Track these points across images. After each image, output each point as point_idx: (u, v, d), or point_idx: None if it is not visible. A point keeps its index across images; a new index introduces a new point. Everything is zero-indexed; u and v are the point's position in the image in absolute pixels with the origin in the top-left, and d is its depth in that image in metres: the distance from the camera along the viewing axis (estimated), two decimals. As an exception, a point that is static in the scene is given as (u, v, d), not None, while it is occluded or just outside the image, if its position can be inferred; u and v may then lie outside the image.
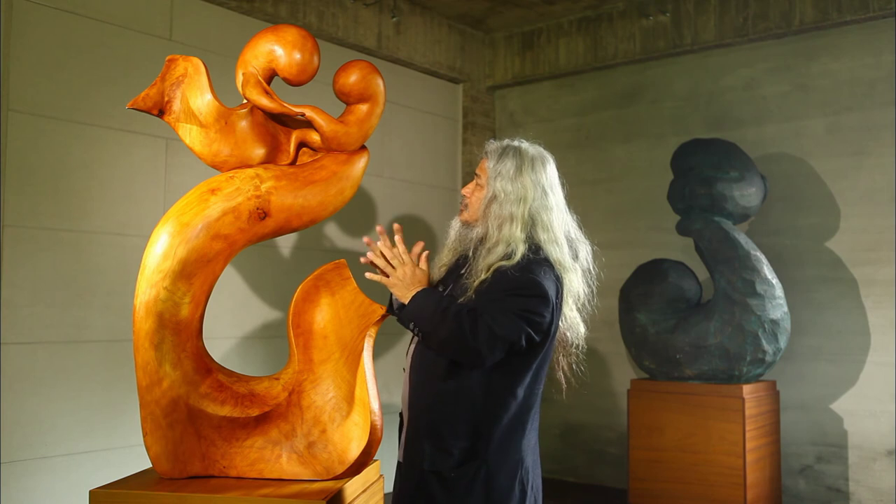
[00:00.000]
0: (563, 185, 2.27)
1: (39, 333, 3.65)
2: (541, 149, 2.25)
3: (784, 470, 4.81)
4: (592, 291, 2.27)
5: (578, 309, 2.24)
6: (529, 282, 2.03)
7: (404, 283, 2.13)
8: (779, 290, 4.39)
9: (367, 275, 2.19)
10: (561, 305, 2.14)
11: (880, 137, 4.67)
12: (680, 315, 4.60)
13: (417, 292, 2.11)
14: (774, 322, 4.33)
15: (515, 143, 2.21)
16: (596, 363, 5.68)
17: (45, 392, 3.66)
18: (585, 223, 2.34)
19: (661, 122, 5.49)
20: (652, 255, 5.09)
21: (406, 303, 2.12)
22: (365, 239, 2.23)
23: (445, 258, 2.27)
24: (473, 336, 1.98)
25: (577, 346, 2.26)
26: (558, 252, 2.14)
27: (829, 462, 4.74)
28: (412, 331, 2.12)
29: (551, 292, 2.06)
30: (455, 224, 2.27)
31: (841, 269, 4.76)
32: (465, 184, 2.08)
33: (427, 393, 2.17)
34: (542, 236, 2.14)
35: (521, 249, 2.09)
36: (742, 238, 4.45)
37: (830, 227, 4.81)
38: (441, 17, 5.76)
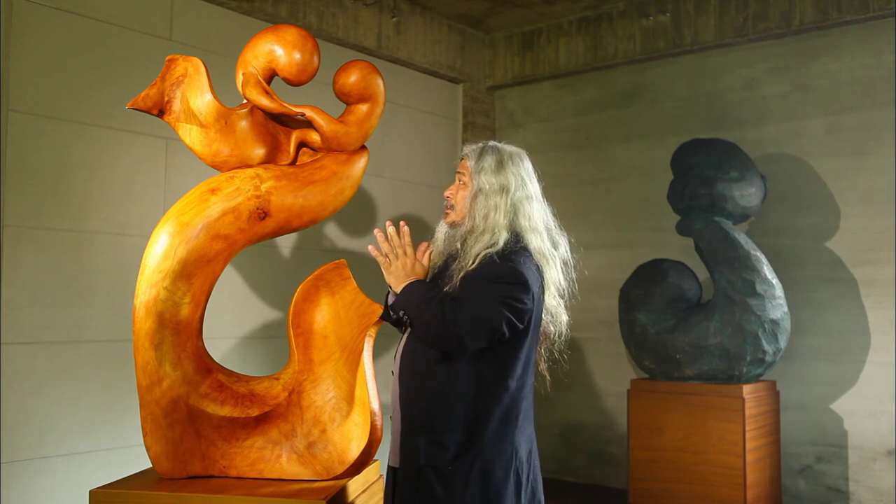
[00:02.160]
0: (539, 178, 2.35)
1: (39, 333, 3.65)
2: (514, 146, 2.34)
3: (784, 470, 4.81)
4: (572, 280, 2.33)
5: (559, 298, 2.29)
6: (510, 270, 2.10)
7: (402, 274, 2.21)
8: (779, 290, 4.39)
9: (371, 247, 2.25)
10: (542, 294, 2.19)
11: (880, 137, 4.67)
12: (680, 315, 4.59)
13: (411, 283, 2.18)
14: (774, 322, 4.33)
15: (491, 142, 2.31)
16: (596, 363, 5.68)
17: (46, 392, 3.66)
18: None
19: (661, 122, 5.49)
20: (652, 255, 5.10)
21: (398, 292, 2.18)
22: (376, 230, 2.29)
23: (436, 261, 2.31)
24: (454, 322, 2.04)
25: (561, 334, 2.31)
26: (539, 241, 2.22)
27: (829, 462, 4.74)
28: (402, 319, 2.17)
29: (532, 280, 2.12)
30: (441, 227, 2.33)
31: (841, 269, 4.76)
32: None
33: (420, 390, 2.19)
34: (524, 224, 2.22)
35: (504, 237, 2.17)
36: (742, 238, 4.45)
37: (830, 227, 4.81)
38: (441, 17, 5.76)
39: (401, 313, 2.16)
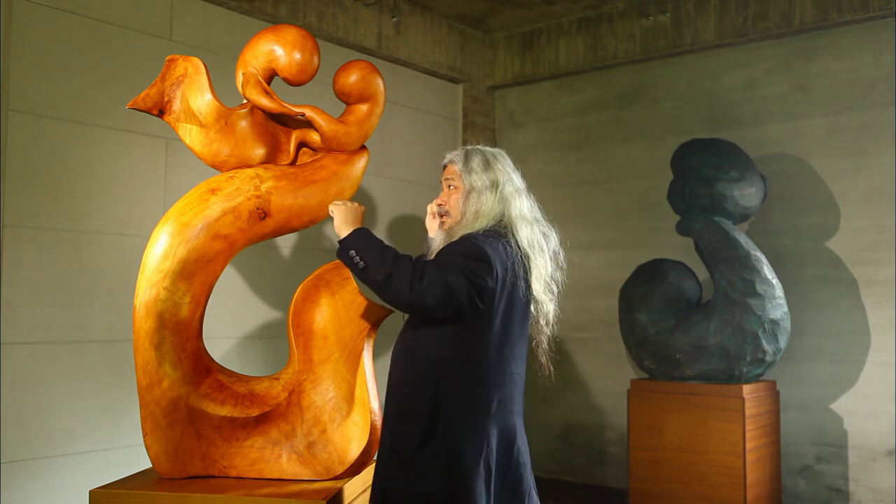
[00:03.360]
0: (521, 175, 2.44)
1: (39, 333, 3.65)
2: (493, 148, 2.43)
3: (784, 470, 4.81)
4: (563, 271, 2.39)
5: (548, 289, 2.34)
6: (475, 248, 2.16)
7: (351, 217, 2.26)
8: (779, 290, 4.39)
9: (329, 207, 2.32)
10: (516, 281, 2.23)
11: (880, 137, 4.67)
12: (680, 315, 4.59)
13: (363, 227, 2.24)
14: (774, 322, 4.33)
15: (470, 146, 2.39)
16: (596, 363, 5.68)
17: (45, 392, 3.66)
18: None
19: (661, 122, 5.49)
20: (652, 255, 5.09)
21: (347, 234, 2.22)
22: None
23: None
24: (420, 276, 2.10)
25: (549, 322, 2.36)
26: (529, 231, 2.29)
27: (829, 462, 4.74)
28: (350, 259, 2.18)
29: (496, 262, 2.17)
30: (439, 236, 2.36)
31: (841, 269, 4.76)
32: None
33: (395, 380, 2.24)
34: (515, 215, 2.29)
35: (483, 224, 2.25)
36: (742, 238, 4.45)
37: (830, 227, 4.81)
38: (441, 17, 5.76)
39: (351, 252, 2.18)
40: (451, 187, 2.33)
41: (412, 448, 2.13)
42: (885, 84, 4.67)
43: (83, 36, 3.87)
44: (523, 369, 2.30)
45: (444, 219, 2.34)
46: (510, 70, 6.08)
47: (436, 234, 2.38)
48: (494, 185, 2.28)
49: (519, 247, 2.24)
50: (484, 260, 2.14)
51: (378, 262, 2.14)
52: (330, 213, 2.30)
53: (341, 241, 2.22)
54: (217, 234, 2.31)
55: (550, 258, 2.33)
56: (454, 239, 2.23)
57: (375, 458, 2.27)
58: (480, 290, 2.13)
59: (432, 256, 2.30)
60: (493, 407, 2.18)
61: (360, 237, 2.20)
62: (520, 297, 2.24)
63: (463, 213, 2.28)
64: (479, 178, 2.28)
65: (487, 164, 2.31)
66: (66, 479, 3.69)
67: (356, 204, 2.31)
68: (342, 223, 2.24)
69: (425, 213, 2.49)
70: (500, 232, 2.25)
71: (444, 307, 2.10)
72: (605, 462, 5.56)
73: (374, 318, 2.38)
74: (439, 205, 2.35)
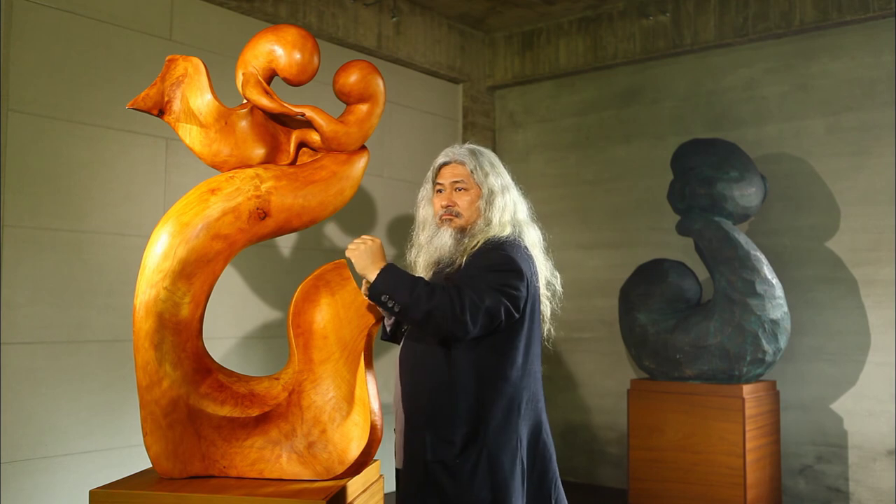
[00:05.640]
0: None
1: (39, 333, 3.65)
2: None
3: (784, 470, 4.81)
4: (553, 271, 2.41)
5: (547, 287, 2.37)
6: (505, 258, 2.16)
7: (370, 256, 2.19)
8: (779, 290, 4.39)
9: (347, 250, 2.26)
10: (536, 284, 2.25)
11: (880, 137, 4.67)
12: (680, 315, 4.59)
13: (388, 266, 2.17)
14: (774, 322, 4.33)
15: (470, 146, 2.38)
16: (596, 363, 5.68)
17: (45, 392, 3.66)
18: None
19: (661, 122, 5.49)
20: (652, 255, 5.10)
21: (374, 276, 2.16)
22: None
23: (430, 260, 2.33)
24: (461, 308, 2.07)
25: (545, 319, 2.38)
26: (534, 233, 2.33)
27: (829, 462, 4.74)
28: (384, 304, 2.13)
29: (525, 269, 2.18)
30: (446, 233, 2.32)
31: (841, 269, 4.76)
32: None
33: (423, 388, 2.22)
34: (522, 218, 2.32)
35: (507, 230, 2.26)
36: (742, 238, 4.45)
37: (830, 227, 4.81)
38: (441, 17, 5.76)
39: (383, 298, 2.12)
40: (461, 189, 2.31)
41: (453, 455, 2.14)
42: (885, 84, 4.67)
43: (83, 36, 3.87)
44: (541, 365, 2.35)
45: (454, 219, 2.31)
46: (510, 70, 6.08)
47: (441, 233, 2.35)
48: (508, 188, 2.31)
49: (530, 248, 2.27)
50: (515, 270, 2.15)
51: (413, 302, 2.09)
52: (348, 257, 2.23)
53: (370, 287, 2.15)
54: (217, 234, 2.31)
55: (544, 258, 2.36)
56: (474, 244, 2.22)
57: (404, 468, 2.24)
58: (515, 300, 2.14)
59: (447, 270, 2.27)
60: (523, 406, 2.21)
61: (388, 278, 2.13)
62: (538, 297, 2.28)
63: (485, 217, 2.26)
64: (495, 181, 2.29)
65: (494, 166, 2.31)
66: (66, 479, 3.69)
67: (370, 240, 2.22)
68: (364, 268, 2.18)
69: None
70: (517, 236, 2.26)
71: (486, 329, 2.12)
72: (605, 462, 5.56)
73: (374, 318, 2.38)
74: (448, 206, 2.32)
